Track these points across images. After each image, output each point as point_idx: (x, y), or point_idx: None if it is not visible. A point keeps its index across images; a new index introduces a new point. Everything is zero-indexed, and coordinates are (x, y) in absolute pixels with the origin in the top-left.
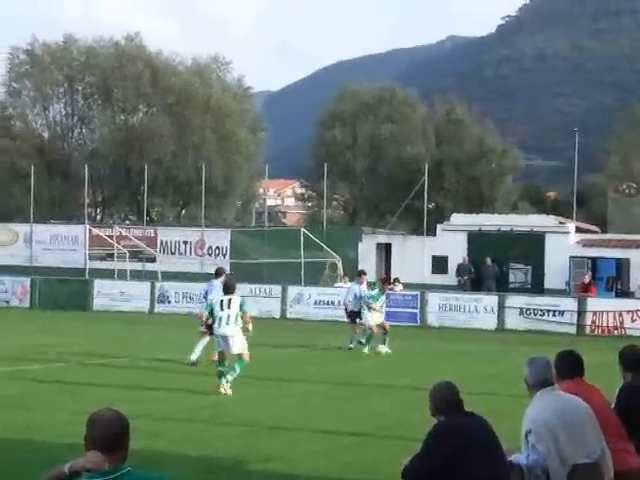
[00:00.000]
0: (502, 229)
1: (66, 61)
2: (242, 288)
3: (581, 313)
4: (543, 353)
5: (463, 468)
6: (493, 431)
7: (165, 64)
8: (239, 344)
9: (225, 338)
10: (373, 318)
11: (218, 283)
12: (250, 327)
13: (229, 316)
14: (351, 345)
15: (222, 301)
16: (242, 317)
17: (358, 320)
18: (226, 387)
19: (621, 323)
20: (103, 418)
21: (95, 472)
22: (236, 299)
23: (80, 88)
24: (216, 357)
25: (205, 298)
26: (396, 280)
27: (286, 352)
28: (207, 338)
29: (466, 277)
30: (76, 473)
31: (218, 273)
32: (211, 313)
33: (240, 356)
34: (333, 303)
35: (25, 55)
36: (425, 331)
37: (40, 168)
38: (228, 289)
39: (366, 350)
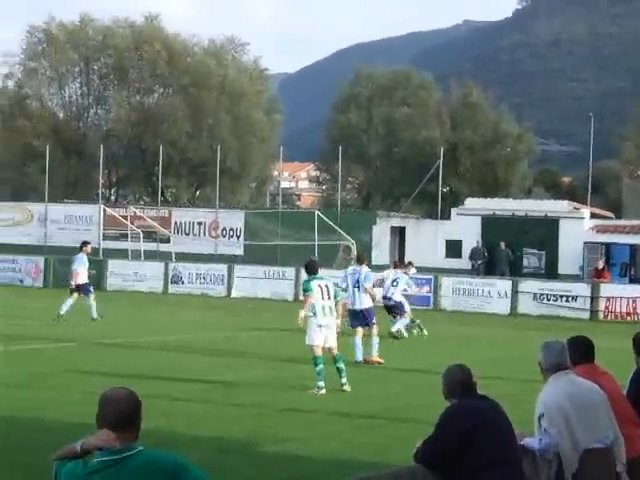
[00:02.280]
0: (516, 214)
1: (82, 41)
2: (256, 270)
3: (594, 299)
4: (556, 338)
5: (475, 450)
6: (506, 414)
7: (182, 45)
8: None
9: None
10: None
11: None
12: (339, 321)
13: (330, 307)
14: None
15: (321, 287)
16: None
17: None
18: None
19: (634, 309)
20: (115, 397)
21: (106, 450)
22: (331, 287)
23: (96, 68)
24: (320, 352)
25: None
26: (410, 264)
27: (299, 334)
28: None
29: (480, 261)
30: (87, 451)
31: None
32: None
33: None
34: (340, 287)
35: (42, 34)
36: (438, 315)
37: (55, 148)
38: (313, 268)
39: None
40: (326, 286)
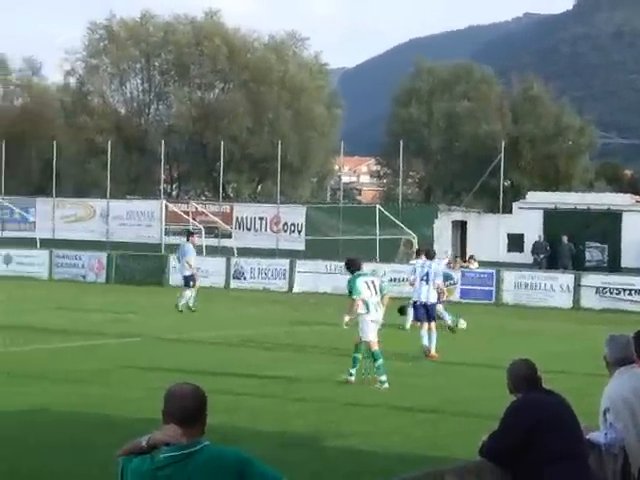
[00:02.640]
0: (578, 207)
1: (143, 37)
2: (317, 264)
3: None
4: (620, 332)
5: (541, 445)
6: (571, 409)
7: (242, 41)
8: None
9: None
10: None
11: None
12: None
13: (378, 302)
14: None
15: (368, 284)
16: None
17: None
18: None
19: None
20: (181, 392)
21: (173, 446)
22: (377, 281)
23: (157, 64)
24: (376, 347)
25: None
26: (471, 258)
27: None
28: None
29: (542, 255)
30: (154, 446)
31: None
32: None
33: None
34: (408, 280)
35: (103, 31)
36: (500, 309)
37: (117, 144)
38: (354, 266)
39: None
40: (372, 282)
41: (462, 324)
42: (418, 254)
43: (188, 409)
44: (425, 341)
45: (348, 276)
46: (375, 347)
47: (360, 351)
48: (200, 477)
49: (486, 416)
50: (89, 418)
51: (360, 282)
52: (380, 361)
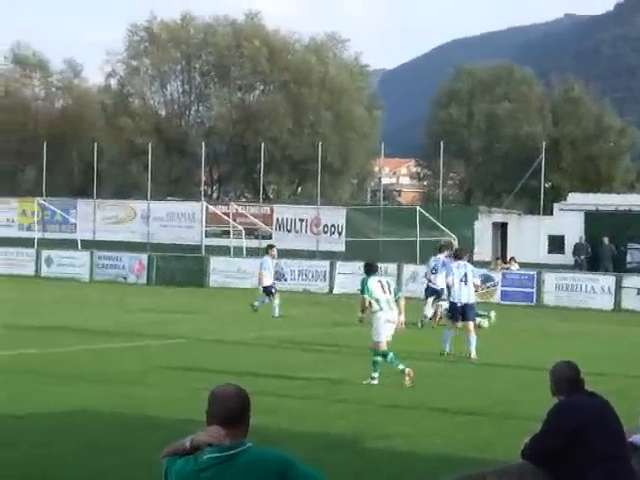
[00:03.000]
0: (620, 209)
1: (184, 39)
2: (358, 266)
3: None
4: None
5: (584, 447)
6: (614, 411)
7: (282, 42)
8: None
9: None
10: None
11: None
12: (403, 318)
13: (391, 301)
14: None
15: (381, 283)
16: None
17: None
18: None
19: None
20: (224, 393)
21: (217, 447)
22: (392, 283)
23: (197, 66)
24: (384, 347)
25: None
26: (512, 259)
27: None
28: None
29: (583, 257)
30: (197, 447)
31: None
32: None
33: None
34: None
35: (144, 33)
36: (541, 311)
37: (157, 146)
38: (372, 270)
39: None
40: (387, 282)
41: (484, 323)
42: (440, 250)
43: (232, 410)
44: (447, 342)
45: (391, 277)
46: (383, 348)
47: (379, 354)
48: (243, 478)
49: (527, 418)
50: (131, 419)
51: (372, 282)
52: (391, 355)
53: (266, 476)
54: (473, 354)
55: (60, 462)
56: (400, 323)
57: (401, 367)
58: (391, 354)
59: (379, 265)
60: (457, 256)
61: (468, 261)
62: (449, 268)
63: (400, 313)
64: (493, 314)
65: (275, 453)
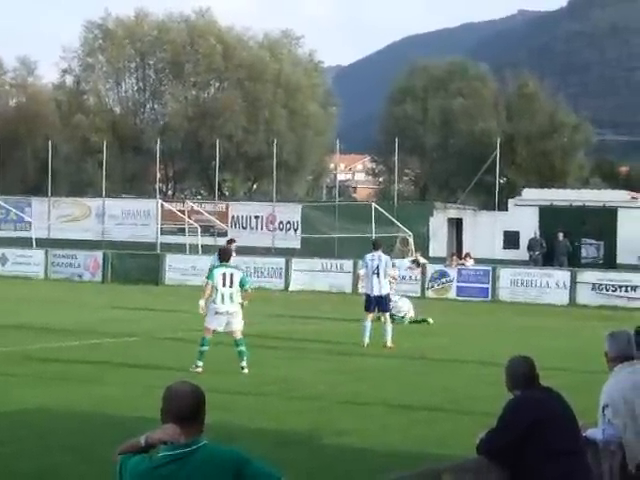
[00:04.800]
0: (574, 204)
1: (138, 36)
2: (313, 262)
3: None
4: (617, 329)
5: (539, 442)
6: (569, 406)
7: (236, 39)
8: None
9: (228, 316)
10: None
11: None
12: (245, 302)
13: (231, 294)
14: None
15: (224, 275)
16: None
17: None
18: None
19: None
20: (180, 391)
21: (171, 445)
22: (237, 275)
23: (152, 63)
24: (210, 335)
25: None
26: (467, 255)
27: (357, 326)
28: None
29: (538, 252)
30: (152, 445)
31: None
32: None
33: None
34: (404, 278)
35: (98, 30)
36: (497, 306)
37: (112, 143)
38: (223, 256)
39: None
40: (231, 275)
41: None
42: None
43: (187, 408)
44: (366, 334)
45: (347, 273)
46: (207, 335)
47: (205, 343)
48: (198, 476)
49: (484, 413)
50: (88, 417)
51: (217, 271)
52: (206, 348)
53: (221, 473)
54: (389, 343)
55: (15, 460)
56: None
57: (200, 363)
58: (206, 347)
59: (334, 262)
60: (374, 247)
61: (422, 255)
62: (363, 260)
63: (245, 299)
64: (431, 320)
65: (230, 450)
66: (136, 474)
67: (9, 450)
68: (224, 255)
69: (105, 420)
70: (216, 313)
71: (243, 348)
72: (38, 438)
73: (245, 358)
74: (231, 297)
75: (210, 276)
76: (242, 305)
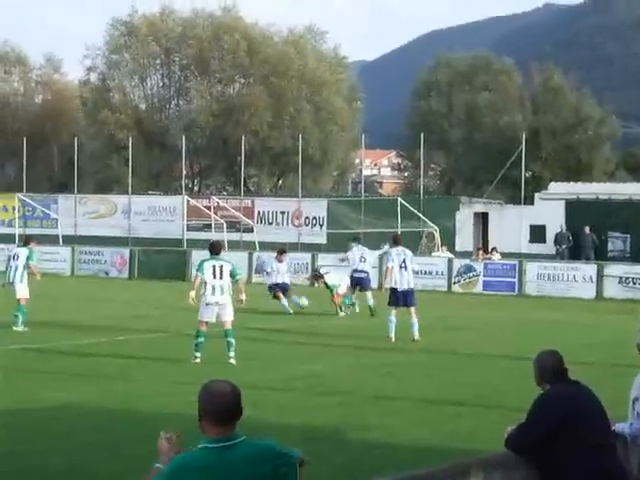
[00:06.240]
0: (600, 197)
1: (163, 33)
2: (340, 258)
3: None
4: None
5: (568, 436)
6: (598, 399)
7: (261, 35)
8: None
9: (218, 307)
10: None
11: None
12: (243, 297)
13: (221, 286)
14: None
15: (214, 267)
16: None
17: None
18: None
19: None
20: (220, 391)
21: (211, 439)
22: (226, 267)
23: (177, 59)
24: (204, 327)
25: None
26: (494, 249)
27: (383, 321)
28: None
29: (564, 246)
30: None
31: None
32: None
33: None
34: (430, 273)
35: (124, 27)
36: (523, 300)
37: (138, 140)
38: (213, 249)
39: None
40: (220, 267)
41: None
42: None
43: (228, 405)
44: (392, 328)
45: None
46: (202, 328)
47: (201, 335)
48: (242, 467)
49: (511, 408)
50: (113, 414)
51: (207, 264)
52: (201, 340)
53: (262, 465)
54: (416, 336)
55: (44, 456)
56: (240, 302)
57: (198, 354)
58: (201, 339)
59: None
60: (396, 242)
61: (448, 250)
62: (389, 254)
63: (240, 293)
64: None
65: (267, 444)
66: (185, 469)
67: (39, 447)
68: (214, 248)
69: (133, 416)
70: (207, 304)
71: (232, 339)
72: (67, 435)
73: (232, 349)
74: (221, 289)
75: (200, 269)
76: (242, 301)
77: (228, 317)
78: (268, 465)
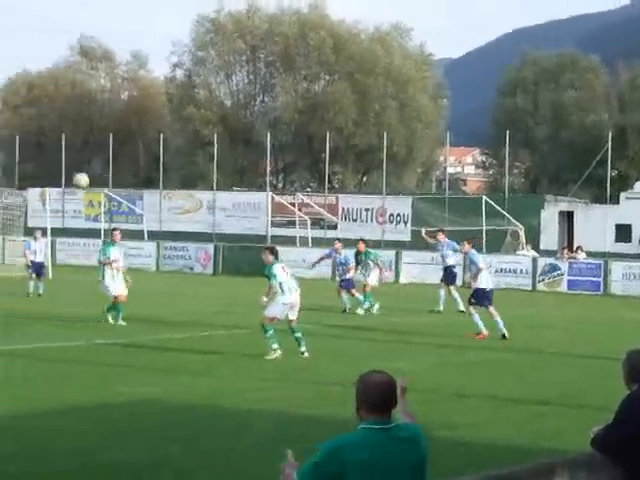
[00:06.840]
0: None
1: (249, 30)
2: (423, 255)
3: None
4: None
5: None
6: None
7: (347, 32)
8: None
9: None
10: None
11: None
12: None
13: (294, 287)
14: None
15: (284, 269)
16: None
17: None
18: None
19: None
20: (380, 381)
21: (370, 421)
22: (288, 269)
23: (262, 56)
24: (272, 322)
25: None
26: (579, 248)
27: (467, 320)
28: None
29: None
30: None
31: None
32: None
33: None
34: (515, 271)
35: (210, 24)
36: (609, 300)
37: (223, 136)
38: (276, 254)
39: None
40: (284, 268)
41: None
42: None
43: (387, 396)
44: (480, 324)
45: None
46: (268, 322)
47: (269, 329)
48: (400, 447)
49: (598, 408)
50: (197, 410)
51: (277, 268)
52: (271, 332)
53: (419, 444)
54: (506, 332)
55: (129, 451)
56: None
57: (275, 346)
58: (271, 332)
59: None
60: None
61: (532, 248)
62: (475, 256)
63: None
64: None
65: (416, 426)
66: (361, 446)
67: (120, 442)
68: (277, 253)
69: (216, 412)
70: (283, 304)
71: (299, 334)
72: (149, 430)
73: (303, 343)
74: (294, 289)
75: (274, 277)
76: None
77: (295, 315)
78: (422, 445)
